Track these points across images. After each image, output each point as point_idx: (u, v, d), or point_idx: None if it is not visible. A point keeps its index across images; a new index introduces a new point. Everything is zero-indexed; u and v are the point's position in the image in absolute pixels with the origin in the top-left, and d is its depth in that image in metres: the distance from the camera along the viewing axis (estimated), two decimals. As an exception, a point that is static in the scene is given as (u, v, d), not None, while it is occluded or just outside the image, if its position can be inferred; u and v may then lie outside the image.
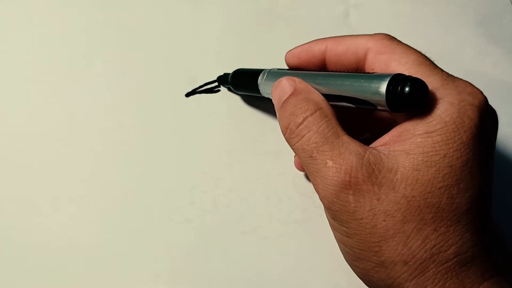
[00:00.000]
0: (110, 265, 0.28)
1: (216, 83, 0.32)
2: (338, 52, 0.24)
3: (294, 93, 0.23)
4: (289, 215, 0.30)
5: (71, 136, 0.30)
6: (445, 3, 0.36)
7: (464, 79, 0.22)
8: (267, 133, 0.31)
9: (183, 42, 0.33)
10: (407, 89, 0.18)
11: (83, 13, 0.33)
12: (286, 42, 0.34)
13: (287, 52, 0.27)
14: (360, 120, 0.27)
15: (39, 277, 0.27)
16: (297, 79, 0.24)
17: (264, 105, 0.32)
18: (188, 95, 0.32)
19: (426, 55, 0.22)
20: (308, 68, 0.26)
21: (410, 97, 0.18)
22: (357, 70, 0.24)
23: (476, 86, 0.22)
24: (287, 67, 0.28)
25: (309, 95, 0.22)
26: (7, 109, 0.31)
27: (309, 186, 0.30)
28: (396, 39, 0.23)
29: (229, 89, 0.32)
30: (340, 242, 0.22)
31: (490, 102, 0.21)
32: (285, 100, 0.23)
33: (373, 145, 0.21)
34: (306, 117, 0.21)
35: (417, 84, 0.19)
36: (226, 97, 0.32)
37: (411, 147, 0.19)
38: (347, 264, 0.28)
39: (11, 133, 0.30)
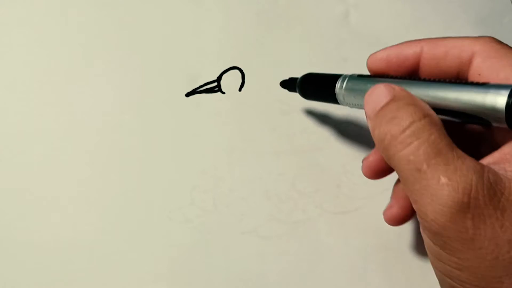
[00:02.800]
0: (110, 265, 0.28)
1: (216, 83, 0.32)
2: (437, 55, 0.21)
3: (394, 99, 0.20)
4: (289, 215, 0.30)
5: (71, 136, 0.30)
6: (445, 3, 0.36)
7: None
8: (267, 133, 0.31)
9: (183, 42, 0.33)
10: None
11: (82, 13, 0.33)
12: (286, 42, 0.34)
13: (370, 55, 0.24)
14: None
15: (39, 277, 0.27)
16: (396, 86, 0.20)
17: (265, 106, 0.32)
18: (188, 95, 0.32)
19: None
20: (397, 75, 0.23)
21: None
22: (458, 77, 0.21)
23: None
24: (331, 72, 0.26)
25: (413, 100, 0.19)
26: (7, 109, 0.31)
27: (309, 186, 0.30)
28: (504, 43, 0.20)
29: (290, 90, 0.29)
30: (446, 276, 0.19)
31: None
32: (382, 107, 0.20)
33: (483, 162, 0.18)
34: (414, 121, 0.18)
35: None
36: (226, 97, 0.32)
37: None
38: (347, 264, 0.28)
39: (10, 133, 0.30)
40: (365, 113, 0.21)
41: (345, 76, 0.24)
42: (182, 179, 0.30)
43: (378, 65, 0.23)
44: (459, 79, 0.20)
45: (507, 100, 0.17)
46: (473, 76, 0.20)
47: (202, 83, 0.32)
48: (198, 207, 0.29)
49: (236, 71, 0.33)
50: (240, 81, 0.33)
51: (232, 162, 0.30)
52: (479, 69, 0.20)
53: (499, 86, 0.17)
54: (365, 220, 0.29)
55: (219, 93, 0.32)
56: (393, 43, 0.34)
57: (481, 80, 0.19)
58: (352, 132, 0.32)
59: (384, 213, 0.25)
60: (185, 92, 0.32)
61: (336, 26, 0.35)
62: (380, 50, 0.23)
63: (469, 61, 0.20)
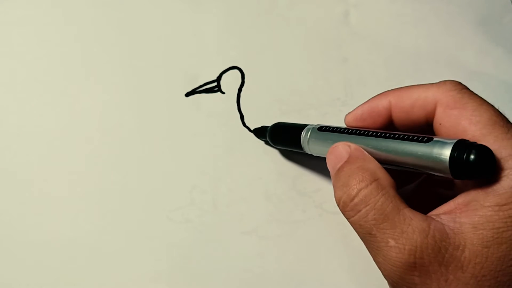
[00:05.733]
0: (110, 265, 0.28)
1: (216, 83, 0.32)
2: (405, 108, 0.22)
3: (348, 160, 0.22)
4: (289, 215, 0.30)
5: (70, 136, 0.30)
6: (445, 3, 0.36)
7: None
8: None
9: (183, 42, 0.33)
10: (472, 157, 0.18)
11: (82, 13, 0.33)
12: (286, 42, 0.34)
13: (346, 115, 0.25)
14: None
15: (39, 276, 0.27)
16: (352, 145, 0.22)
17: (265, 106, 0.32)
18: (188, 94, 0.32)
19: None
20: (373, 129, 0.24)
21: (476, 166, 0.18)
22: (427, 124, 0.22)
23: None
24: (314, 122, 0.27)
25: (364, 164, 0.21)
26: (7, 109, 0.31)
27: (309, 186, 0.30)
28: (466, 89, 0.21)
29: (267, 143, 0.31)
30: None
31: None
32: (339, 168, 0.22)
33: (437, 211, 0.20)
34: (361, 189, 0.20)
35: (483, 152, 0.18)
36: (226, 97, 0.32)
37: (480, 220, 0.18)
38: (347, 264, 0.28)
39: (10, 133, 0.30)
40: (329, 169, 0.23)
41: (308, 128, 0.26)
42: (182, 179, 0.30)
43: (356, 124, 0.24)
44: (408, 134, 0.21)
45: (450, 153, 0.18)
46: (436, 125, 0.21)
47: (202, 83, 0.32)
48: (198, 207, 0.29)
49: (236, 71, 0.33)
50: (240, 81, 0.33)
51: (232, 162, 0.30)
52: (441, 119, 0.21)
53: (444, 141, 0.19)
54: (365, 220, 0.29)
55: (219, 93, 0.32)
56: (393, 43, 0.34)
57: (442, 130, 0.21)
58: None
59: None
60: (185, 92, 0.32)
61: (336, 26, 0.35)
62: (355, 109, 0.24)
63: (434, 110, 0.21)
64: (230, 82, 0.33)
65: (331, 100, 0.32)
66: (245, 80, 0.33)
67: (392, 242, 0.19)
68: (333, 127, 0.25)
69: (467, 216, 0.19)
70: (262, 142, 0.31)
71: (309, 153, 0.26)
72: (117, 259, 0.28)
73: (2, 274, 0.27)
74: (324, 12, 0.35)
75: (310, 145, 0.26)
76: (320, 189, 0.30)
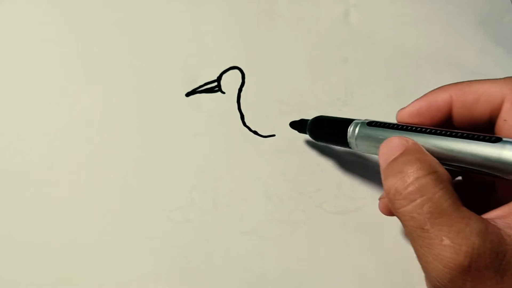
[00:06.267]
0: (110, 265, 0.28)
1: (216, 83, 0.32)
2: (468, 103, 0.21)
3: (404, 152, 0.20)
4: (289, 215, 0.30)
5: (70, 136, 0.30)
6: (445, 3, 0.36)
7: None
8: (267, 133, 0.31)
9: (183, 41, 0.33)
10: None
11: (82, 13, 0.33)
12: (286, 42, 0.34)
13: (399, 110, 0.23)
14: None
15: (39, 276, 0.27)
16: (410, 140, 0.21)
17: (265, 106, 0.32)
18: (188, 94, 0.32)
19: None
20: (430, 126, 0.22)
21: None
22: (490, 121, 0.21)
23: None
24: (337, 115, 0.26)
25: (422, 156, 0.20)
26: (7, 109, 0.31)
27: (309, 186, 0.30)
28: None
29: (299, 131, 0.30)
30: None
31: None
32: (393, 159, 0.20)
33: (489, 215, 0.19)
34: (418, 177, 0.19)
35: None
36: (226, 97, 0.32)
37: None
38: (347, 264, 0.28)
39: (10, 132, 0.30)
40: (380, 163, 0.22)
41: (356, 123, 0.24)
42: (182, 179, 0.30)
43: (411, 120, 0.23)
44: (473, 133, 0.20)
45: None
46: (500, 121, 0.20)
47: (202, 83, 0.32)
48: (198, 207, 0.29)
49: (236, 71, 0.33)
50: (240, 81, 0.33)
51: (232, 162, 0.30)
52: (506, 115, 0.20)
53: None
54: (365, 220, 0.29)
55: (219, 93, 0.32)
56: (393, 43, 0.34)
57: (505, 127, 0.20)
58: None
59: (380, 204, 0.25)
60: (185, 92, 0.32)
61: (336, 26, 0.35)
62: (410, 104, 0.23)
63: (500, 106, 0.20)
64: (230, 82, 0.33)
65: (331, 100, 0.32)
66: (245, 80, 0.33)
67: (447, 241, 0.17)
68: (385, 123, 0.23)
69: None
70: (263, 142, 0.31)
71: (355, 150, 0.25)
72: (117, 259, 0.28)
73: (2, 274, 0.27)
74: (324, 12, 0.35)
75: (358, 141, 0.24)
76: (320, 189, 0.30)
